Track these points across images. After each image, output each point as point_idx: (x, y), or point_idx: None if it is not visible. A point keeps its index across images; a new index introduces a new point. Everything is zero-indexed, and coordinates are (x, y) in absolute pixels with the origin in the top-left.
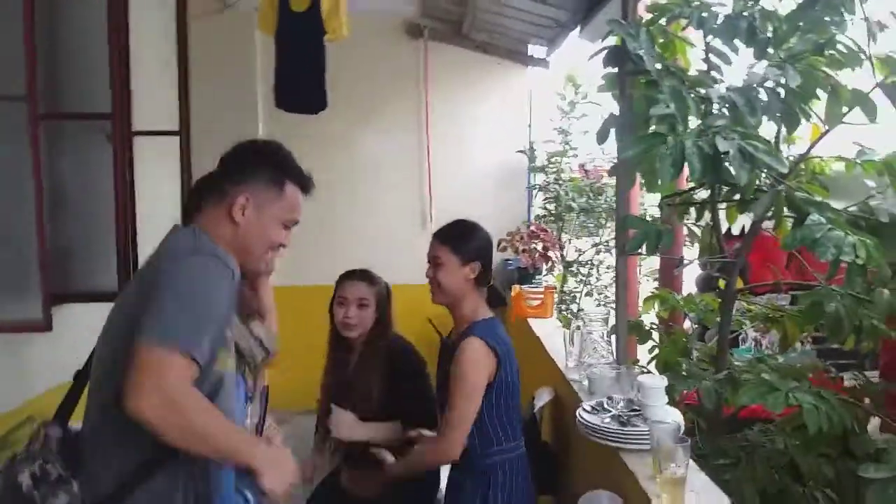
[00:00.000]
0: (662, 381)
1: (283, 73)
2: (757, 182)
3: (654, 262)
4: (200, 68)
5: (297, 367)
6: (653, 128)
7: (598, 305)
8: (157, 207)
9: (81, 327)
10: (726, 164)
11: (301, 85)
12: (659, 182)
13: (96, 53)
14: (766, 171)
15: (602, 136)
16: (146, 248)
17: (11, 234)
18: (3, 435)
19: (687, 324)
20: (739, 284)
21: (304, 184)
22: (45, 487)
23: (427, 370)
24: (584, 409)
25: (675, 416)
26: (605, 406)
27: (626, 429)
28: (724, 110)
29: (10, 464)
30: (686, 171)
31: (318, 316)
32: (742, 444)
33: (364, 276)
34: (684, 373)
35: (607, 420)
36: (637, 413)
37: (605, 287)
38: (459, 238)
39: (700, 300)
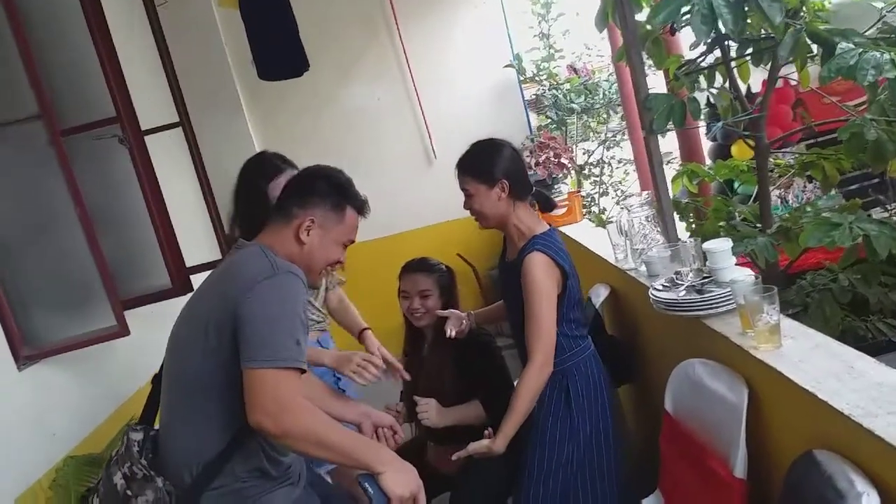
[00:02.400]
0: (728, 243)
1: (258, 44)
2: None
3: (666, 145)
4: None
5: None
6: None
7: (617, 203)
8: (178, 201)
9: (145, 330)
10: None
11: (278, 52)
12: (696, 37)
13: (84, 61)
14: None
15: (601, 23)
16: (181, 241)
17: (66, 254)
18: (113, 439)
19: None
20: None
21: (361, 207)
22: (135, 486)
23: (497, 345)
24: (656, 289)
25: (746, 274)
26: (676, 281)
27: (704, 296)
28: None
29: (108, 466)
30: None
31: (382, 270)
32: (804, 291)
33: (421, 266)
34: (735, 235)
35: (683, 293)
36: (709, 279)
37: (620, 183)
38: (477, 162)
39: (730, 164)
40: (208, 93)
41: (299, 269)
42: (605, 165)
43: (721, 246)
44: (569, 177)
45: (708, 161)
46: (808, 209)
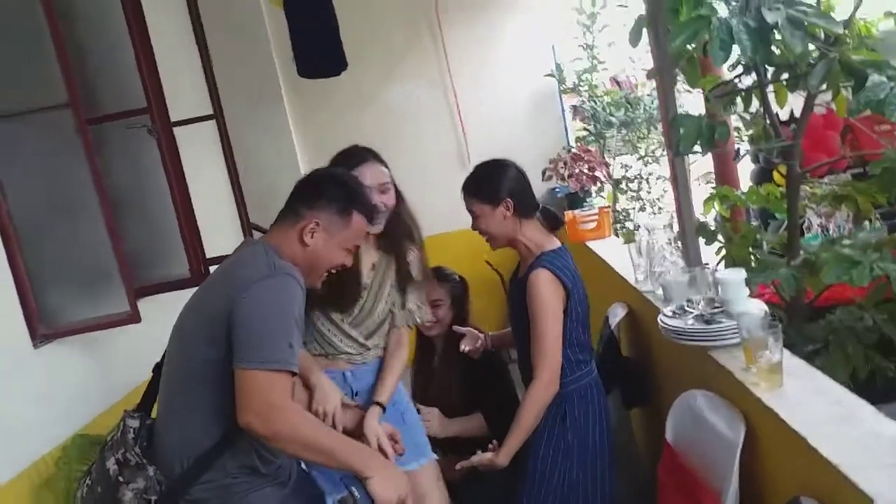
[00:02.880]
0: (741, 274)
1: (299, 41)
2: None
3: (705, 165)
4: (214, 52)
5: None
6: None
7: (653, 218)
8: (210, 191)
9: (164, 317)
10: (776, 36)
11: (318, 50)
12: (714, 64)
13: (121, 51)
14: (818, 39)
15: (635, 38)
16: (208, 231)
17: (87, 239)
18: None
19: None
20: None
21: (369, 214)
22: (127, 473)
23: (505, 360)
24: (666, 315)
25: (758, 307)
26: (686, 308)
27: (711, 327)
28: None
29: (102, 450)
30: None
31: None
32: (829, 327)
33: (434, 276)
34: (758, 264)
35: (691, 321)
36: (719, 310)
37: (658, 199)
38: (480, 183)
39: (763, 191)
40: (250, 86)
41: (298, 272)
42: (643, 181)
43: (733, 276)
44: (604, 190)
45: (748, 185)
46: (845, 241)
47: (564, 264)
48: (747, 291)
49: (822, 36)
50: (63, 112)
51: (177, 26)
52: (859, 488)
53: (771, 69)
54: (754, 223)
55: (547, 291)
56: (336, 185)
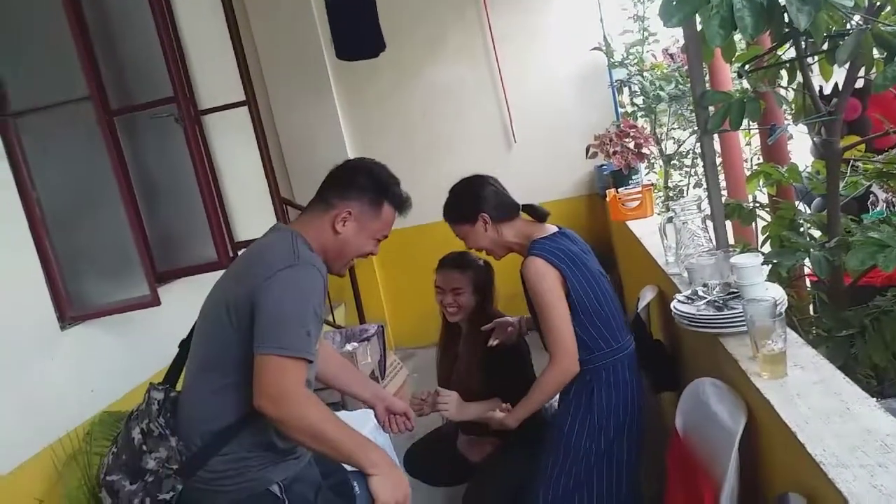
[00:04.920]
0: (757, 259)
1: (337, 24)
2: (833, 28)
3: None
4: (261, 39)
5: (412, 306)
6: None
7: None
8: (245, 175)
9: (194, 298)
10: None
11: (356, 32)
12: (711, 44)
13: (151, 42)
14: (859, 9)
15: (666, 14)
16: (239, 216)
17: (112, 227)
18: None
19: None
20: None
21: (400, 205)
22: (150, 443)
23: (526, 348)
24: (679, 300)
25: (775, 294)
26: (700, 294)
27: (722, 313)
28: None
29: (128, 420)
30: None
31: (421, 256)
32: (869, 312)
33: (455, 263)
34: (789, 245)
35: (702, 307)
36: (736, 295)
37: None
38: (453, 208)
39: (805, 168)
40: (298, 69)
41: (321, 263)
42: (698, 156)
43: (749, 261)
44: (655, 166)
45: (804, 161)
46: (887, 224)
47: (557, 247)
48: (763, 277)
49: (866, 4)
50: (87, 104)
51: (216, 14)
52: (838, 488)
53: (810, 42)
54: (798, 202)
55: (539, 277)
56: (368, 176)
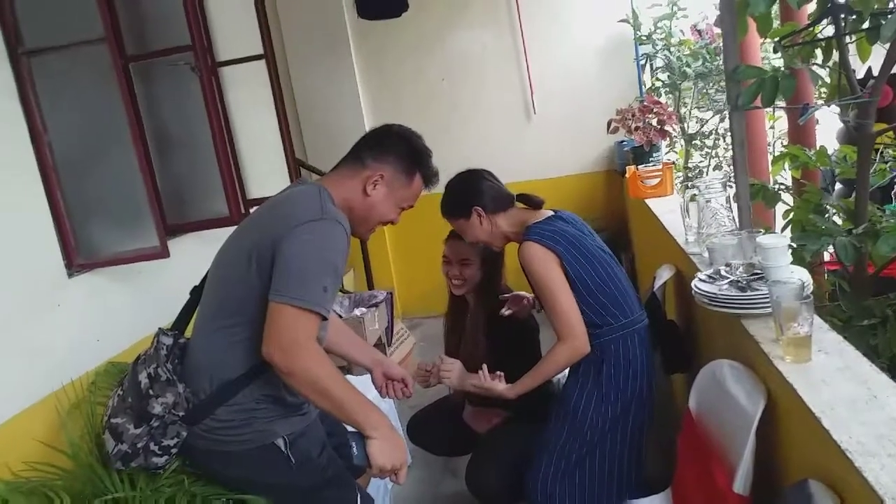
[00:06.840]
0: (783, 240)
1: None
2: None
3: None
4: None
5: (421, 276)
6: None
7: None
8: (261, 130)
9: (202, 253)
10: None
11: None
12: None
13: None
14: None
15: None
16: (252, 173)
17: (124, 176)
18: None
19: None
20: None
21: (430, 178)
22: (157, 387)
23: (535, 325)
24: (700, 279)
25: (800, 276)
26: (723, 273)
27: (745, 294)
28: None
29: (134, 364)
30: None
31: (432, 225)
32: (891, 303)
33: None
34: (813, 230)
35: (725, 287)
36: (759, 277)
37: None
38: (448, 204)
39: (835, 152)
40: (318, 28)
41: (346, 220)
42: (720, 137)
43: (774, 242)
44: (676, 145)
45: (834, 145)
46: None
47: (552, 229)
48: (789, 259)
49: None
50: (102, 46)
51: None
52: (865, 477)
53: (851, 18)
54: (823, 186)
55: (535, 261)
56: (407, 144)
